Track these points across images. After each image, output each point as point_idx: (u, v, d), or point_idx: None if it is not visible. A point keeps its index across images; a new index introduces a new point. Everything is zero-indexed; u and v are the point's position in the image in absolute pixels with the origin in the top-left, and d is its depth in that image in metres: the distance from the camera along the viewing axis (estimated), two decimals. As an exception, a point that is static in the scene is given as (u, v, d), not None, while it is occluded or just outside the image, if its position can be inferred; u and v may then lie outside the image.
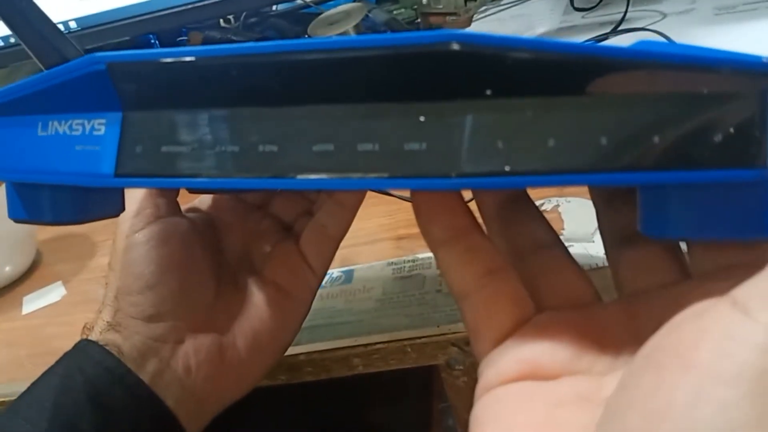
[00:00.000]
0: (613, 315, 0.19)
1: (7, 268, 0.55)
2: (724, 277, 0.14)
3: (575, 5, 0.63)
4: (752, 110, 0.14)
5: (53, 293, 0.52)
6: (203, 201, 0.34)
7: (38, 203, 0.23)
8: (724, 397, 0.12)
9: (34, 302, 0.52)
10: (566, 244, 0.33)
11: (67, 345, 0.30)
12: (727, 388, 0.12)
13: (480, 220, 0.22)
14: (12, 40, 0.67)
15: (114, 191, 0.26)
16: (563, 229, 0.38)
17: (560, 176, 0.15)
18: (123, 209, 0.27)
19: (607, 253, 0.22)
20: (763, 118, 0.14)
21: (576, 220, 0.39)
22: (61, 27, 0.68)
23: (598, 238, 0.38)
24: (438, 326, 0.36)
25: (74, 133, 0.20)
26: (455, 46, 0.15)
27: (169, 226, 0.30)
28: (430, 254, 0.44)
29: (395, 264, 0.42)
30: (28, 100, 0.21)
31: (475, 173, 0.15)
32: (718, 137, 0.14)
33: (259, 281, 0.32)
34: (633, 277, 0.20)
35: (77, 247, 0.58)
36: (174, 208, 0.31)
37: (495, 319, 0.19)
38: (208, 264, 0.31)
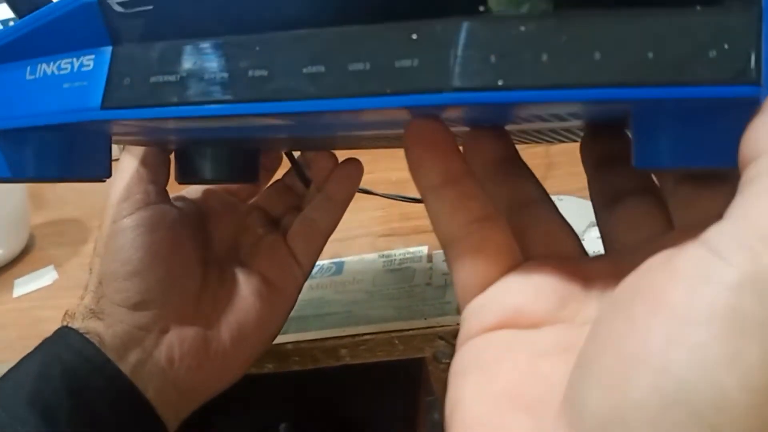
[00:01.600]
0: (598, 267, 0.18)
1: (0, 251, 0.55)
2: (703, 227, 0.14)
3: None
4: (746, 24, 0.14)
5: (45, 277, 0.52)
6: (192, 191, 0.34)
7: (22, 158, 0.22)
8: (696, 338, 0.12)
9: (25, 285, 0.52)
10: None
11: (58, 329, 0.30)
12: (700, 329, 0.12)
13: None
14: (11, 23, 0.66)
15: (100, 150, 0.25)
16: (554, 225, 0.38)
17: (553, 91, 0.15)
18: (110, 174, 0.26)
19: (597, 216, 0.22)
20: (758, 33, 0.14)
21: (567, 218, 0.39)
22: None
23: (588, 235, 0.38)
24: (426, 319, 0.36)
25: (62, 72, 0.20)
26: None
27: (157, 212, 0.29)
28: (421, 248, 0.44)
29: (386, 256, 0.42)
30: (17, 44, 0.20)
31: (467, 87, 0.15)
32: (712, 52, 0.14)
33: (245, 273, 0.32)
34: (621, 233, 0.20)
35: (71, 232, 0.58)
36: (163, 196, 0.31)
37: (481, 265, 0.18)
38: (195, 253, 0.31)
